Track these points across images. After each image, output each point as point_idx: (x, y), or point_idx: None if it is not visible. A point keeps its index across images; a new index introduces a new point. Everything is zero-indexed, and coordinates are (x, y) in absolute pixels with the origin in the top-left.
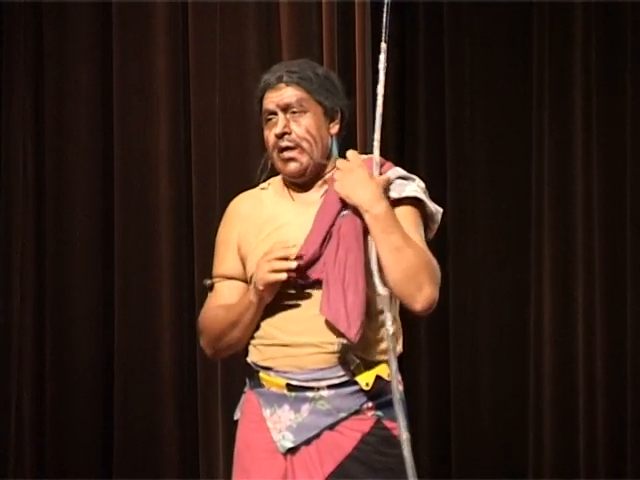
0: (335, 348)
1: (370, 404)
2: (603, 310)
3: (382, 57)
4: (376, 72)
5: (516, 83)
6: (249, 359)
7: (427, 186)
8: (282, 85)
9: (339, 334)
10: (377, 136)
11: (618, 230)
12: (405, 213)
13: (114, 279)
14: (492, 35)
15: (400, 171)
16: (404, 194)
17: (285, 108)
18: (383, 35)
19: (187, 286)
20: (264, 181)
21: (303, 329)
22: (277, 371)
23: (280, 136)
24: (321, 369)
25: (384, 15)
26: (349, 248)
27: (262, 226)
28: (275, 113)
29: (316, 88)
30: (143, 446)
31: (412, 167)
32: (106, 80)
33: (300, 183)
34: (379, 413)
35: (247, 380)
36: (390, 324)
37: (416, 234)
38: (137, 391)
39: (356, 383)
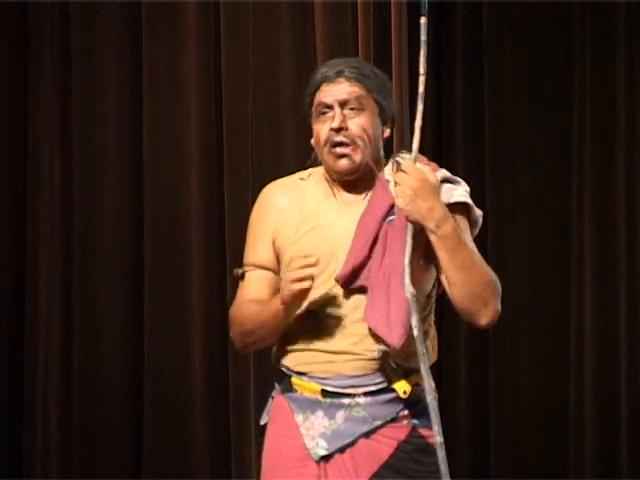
0: (374, 355)
1: (406, 412)
2: None
3: (423, 33)
4: (413, 72)
5: (557, 81)
6: (280, 363)
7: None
8: (342, 80)
9: (379, 341)
10: (418, 123)
11: None
12: (457, 221)
13: (144, 281)
14: (533, 34)
15: (446, 173)
16: (453, 199)
17: (343, 103)
18: (422, 9)
19: (218, 288)
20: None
21: (342, 335)
22: (312, 376)
23: (337, 130)
24: (359, 376)
25: None
26: (390, 254)
27: (303, 221)
28: (331, 107)
29: (375, 87)
30: (173, 448)
31: (449, 169)
32: (136, 81)
33: (345, 181)
34: (415, 421)
35: (276, 384)
36: (415, 324)
37: (470, 243)
38: (168, 393)
39: (393, 391)
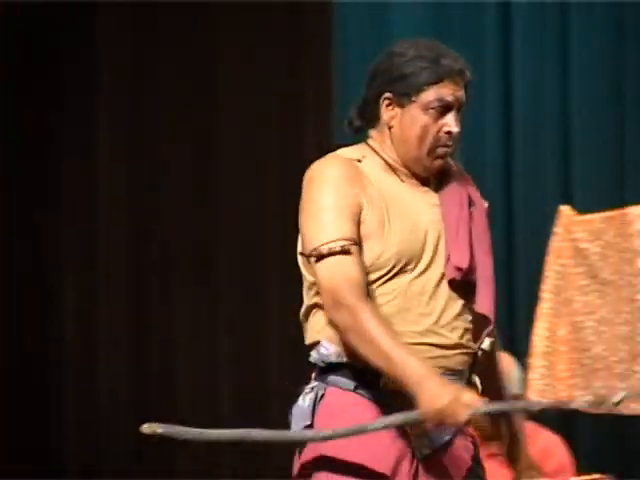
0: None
1: None
2: None
3: None
4: None
5: None
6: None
7: None
8: (460, 80)
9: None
10: None
11: None
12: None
13: None
14: None
15: None
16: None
17: (459, 107)
18: None
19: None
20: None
21: (450, 328)
22: None
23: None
24: (461, 370)
25: None
26: (484, 245)
27: (388, 205)
28: (450, 108)
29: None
30: None
31: None
32: None
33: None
34: None
35: (347, 381)
36: None
37: None
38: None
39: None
